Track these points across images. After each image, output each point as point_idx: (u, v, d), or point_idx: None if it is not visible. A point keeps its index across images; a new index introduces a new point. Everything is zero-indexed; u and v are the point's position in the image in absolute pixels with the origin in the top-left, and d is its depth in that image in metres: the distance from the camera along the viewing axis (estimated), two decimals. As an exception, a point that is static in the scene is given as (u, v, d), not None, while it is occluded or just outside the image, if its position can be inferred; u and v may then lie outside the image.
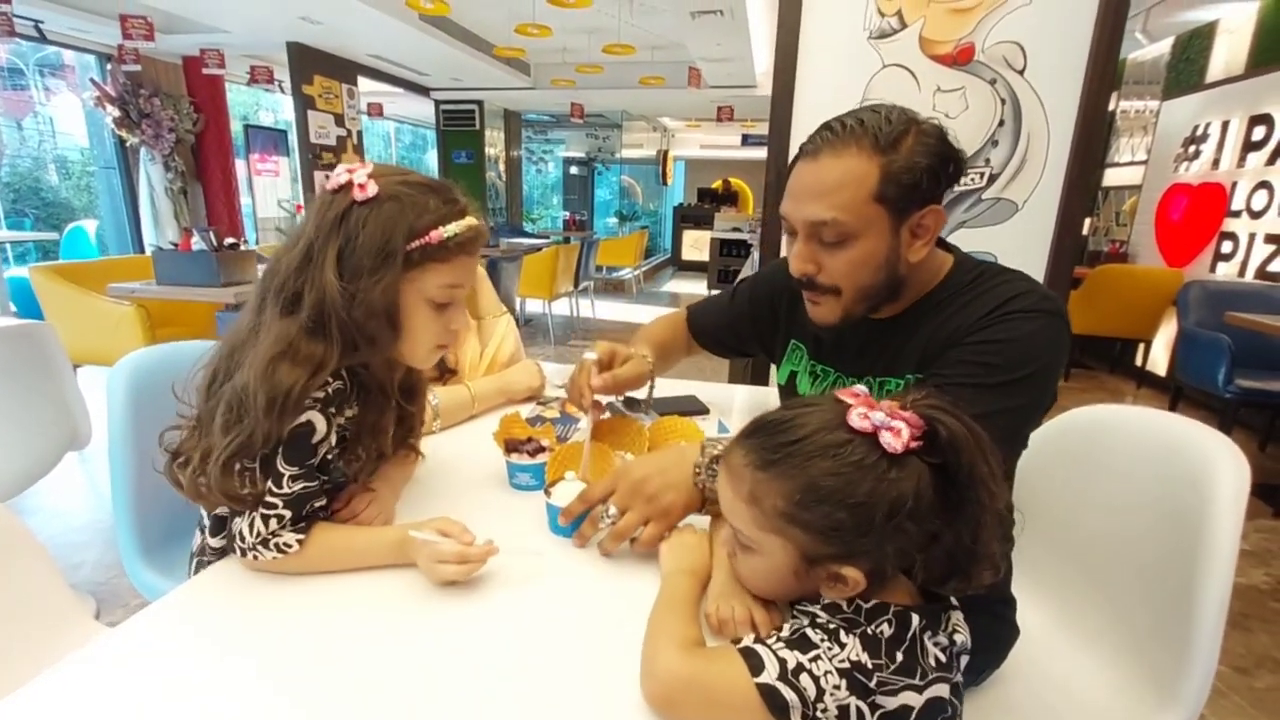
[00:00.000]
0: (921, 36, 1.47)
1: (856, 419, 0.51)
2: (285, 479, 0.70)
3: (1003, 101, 1.46)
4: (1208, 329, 3.11)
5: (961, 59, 1.46)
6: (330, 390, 0.71)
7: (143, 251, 5.57)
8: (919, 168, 0.75)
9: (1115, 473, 0.92)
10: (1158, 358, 4.34)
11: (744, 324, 1.10)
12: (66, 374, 1.70)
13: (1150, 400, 4.16)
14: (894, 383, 0.86)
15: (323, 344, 0.69)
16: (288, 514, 0.70)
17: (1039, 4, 1.40)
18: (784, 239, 0.87)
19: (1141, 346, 4.44)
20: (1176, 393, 3.39)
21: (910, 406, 0.52)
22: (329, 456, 0.74)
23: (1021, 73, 1.44)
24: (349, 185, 0.70)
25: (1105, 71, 1.37)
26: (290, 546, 0.70)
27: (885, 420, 0.51)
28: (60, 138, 6.11)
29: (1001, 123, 1.47)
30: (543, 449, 0.91)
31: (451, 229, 0.72)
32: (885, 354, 0.88)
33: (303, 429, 0.69)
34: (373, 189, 0.69)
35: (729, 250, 7.98)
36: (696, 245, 10.55)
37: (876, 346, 0.89)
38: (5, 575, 0.81)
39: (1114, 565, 0.90)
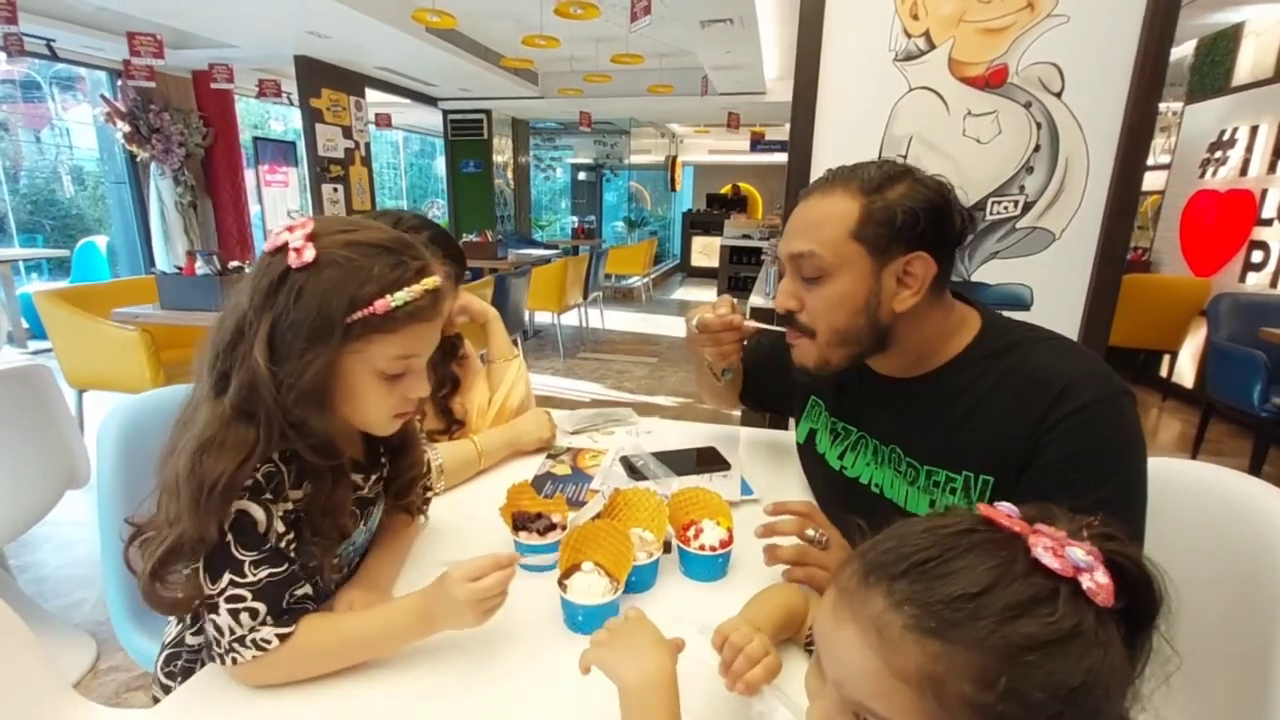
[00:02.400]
0: (951, 58, 1.39)
1: (1048, 557, 0.36)
2: (247, 566, 0.61)
3: (1038, 126, 1.38)
4: (1240, 343, 3.00)
5: (994, 81, 1.37)
6: (259, 476, 0.62)
7: (154, 266, 5.58)
8: (901, 208, 0.74)
9: (1180, 535, 0.84)
10: (1184, 370, 4.21)
11: (766, 379, 1.03)
12: (64, 414, 1.65)
13: (1178, 413, 4.03)
14: (941, 474, 0.79)
15: (253, 428, 0.61)
16: (261, 606, 0.61)
17: (1077, 23, 1.32)
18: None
19: (1167, 358, 4.31)
20: (1207, 410, 3.26)
21: (1089, 535, 0.39)
22: (282, 546, 0.64)
23: (1059, 95, 1.36)
24: (285, 248, 0.61)
25: (1150, 94, 1.29)
26: (270, 642, 0.61)
27: (1087, 560, 0.36)
28: (76, 150, 6.14)
29: (1037, 148, 1.39)
30: (554, 526, 0.84)
31: (401, 296, 0.63)
32: (919, 419, 0.82)
33: (244, 520, 0.62)
34: (310, 253, 0.60)
35: (739, 257, 7.89)
36: (706, 252, 10.46)
37: (903, 405, 0.84)
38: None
39: (1182, 641, 0.83)
